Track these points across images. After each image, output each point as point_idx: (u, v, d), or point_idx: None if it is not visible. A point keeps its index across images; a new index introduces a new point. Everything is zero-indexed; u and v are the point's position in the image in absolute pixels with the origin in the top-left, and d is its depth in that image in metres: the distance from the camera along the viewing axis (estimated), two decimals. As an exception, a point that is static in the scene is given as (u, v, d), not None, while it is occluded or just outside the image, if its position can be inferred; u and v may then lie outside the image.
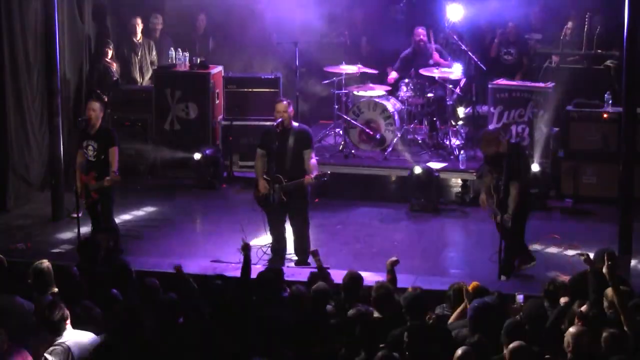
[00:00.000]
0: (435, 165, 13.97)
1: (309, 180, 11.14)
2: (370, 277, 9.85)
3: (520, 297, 9.15)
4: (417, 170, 13.63)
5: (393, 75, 15.32)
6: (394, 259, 9.59)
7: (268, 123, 11.86)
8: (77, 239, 11.24)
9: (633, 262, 11.44)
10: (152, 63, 15.77)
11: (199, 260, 11.61)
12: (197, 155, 14.58)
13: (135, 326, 7.94)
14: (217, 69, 15.34)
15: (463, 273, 11.38)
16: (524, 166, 11.11)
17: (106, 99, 14.39)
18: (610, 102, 13.74)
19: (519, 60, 15.55)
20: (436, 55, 15.25)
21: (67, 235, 12.41)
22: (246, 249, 9.82)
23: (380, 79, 15.46)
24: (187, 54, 15.26)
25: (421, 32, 15.30)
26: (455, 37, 15.43)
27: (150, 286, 8.93)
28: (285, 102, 11.37)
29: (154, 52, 15.83)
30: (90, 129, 11.58)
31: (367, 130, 14.58)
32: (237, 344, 7.95)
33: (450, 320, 8.64)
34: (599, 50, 15.02)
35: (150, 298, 8.77)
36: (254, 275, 9.58)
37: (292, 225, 11.44)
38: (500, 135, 11.21)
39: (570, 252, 11.74)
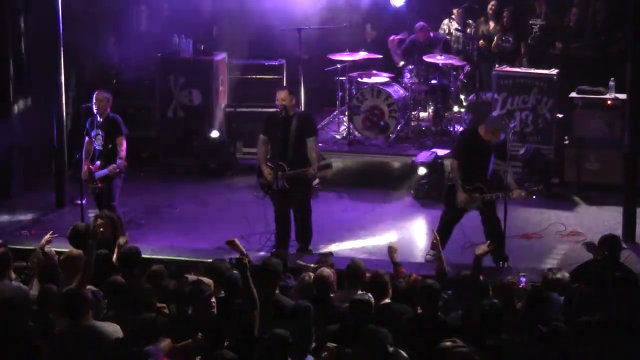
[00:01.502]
0: (438, 151, 13.96)
1: (311, 173, 11.13)
2: (374, 264, 9.88)
3: (522, 279, 9.20)
4: (422, 171, 13.54)
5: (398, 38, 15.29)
6: (393, 246, 9.56)
7: (272, 110, 11.85)
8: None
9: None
10: (155, 50, 15.73)
11: (203, 247, 11.64)
12: (214, 133, 14.61)
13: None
14: (220, 56, 15.32)
15: (466, 259, 11.38)
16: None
17: (109, 87, 14.38)
18: (614, 88, 13.71)
19: (517, 46, 15.52)
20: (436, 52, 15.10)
21: (71, 222, 12.40)
22: (233, 244, 9.52)
23: (385, 65, 15.43)
24: (190, 41, 15.24)
25: (418, 33, 15.15)
26: (458, 24, 15.41)
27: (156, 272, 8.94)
28: (286, 90, 11.36)
29: (158, 39, 15.79)
30: (98, 118, 11.63)
31: (371, 117, 14.58)
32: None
33: None
34: (603, 37, 14.98)
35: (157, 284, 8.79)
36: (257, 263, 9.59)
37: (294, 212, 11.44)
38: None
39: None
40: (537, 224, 12.53)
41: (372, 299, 8.19)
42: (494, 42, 15.49)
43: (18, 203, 13.43)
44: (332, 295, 8.76)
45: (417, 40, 15.23)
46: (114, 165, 11.44)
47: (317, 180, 13.33)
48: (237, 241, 9.21)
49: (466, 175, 11.01)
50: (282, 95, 11.30)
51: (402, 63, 15.25)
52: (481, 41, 15.62)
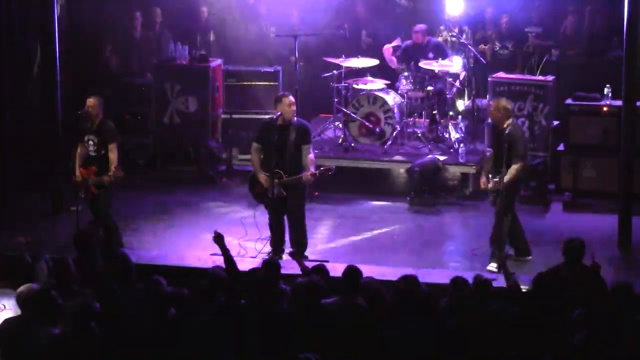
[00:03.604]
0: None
1: (307, 178, 11.13)
2: (370, 271, 9.86)
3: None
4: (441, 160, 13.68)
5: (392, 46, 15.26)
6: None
7: (268, 116, 11.85)
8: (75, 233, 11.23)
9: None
10: (151, 56, 15.75)
11: (198, 253, 11.63)
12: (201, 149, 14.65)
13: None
14: (216, 62, 15.33)
15: (463, 266, 11.39)
16: (523, 149, 11.17)
17: (105, 93, 14.36)
18: (610, 95, 13.72)
19: (514, 54, 15.50)
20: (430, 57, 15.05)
21: (67, 228, 12.39)
22: (219, 239, 9.62)
23: (381, 71, 15.42)
24: (186, 47, 15.24)
25: (415, 34, 15.15)
26: (455, 30, 15.41)
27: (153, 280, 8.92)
28: (291, 97, 11.39)
29: (154, 46, 15.81)
30: (90, 124, 11.60)
31: (367, 123, 14.58)
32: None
33: None
34: (599, 44, 15.00)
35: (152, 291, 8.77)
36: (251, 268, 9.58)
37: (289, 219, 11.44)
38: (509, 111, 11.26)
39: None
40: (533, 231, 12.53)
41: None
42: (489, 49, 15.49)
43: (14, 210, 13.41)
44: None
45: (411, 45, 15.20)
46: (110, 174, 11.38)
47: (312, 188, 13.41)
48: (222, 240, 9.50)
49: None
50: (287, 101, 11.30)
51: (399, 67, 15.24)
52: (481, 45, 15.58)
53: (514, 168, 11.01)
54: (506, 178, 10.87)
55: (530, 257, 11.48)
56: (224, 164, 14.83)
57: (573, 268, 9.22)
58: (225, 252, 9.52)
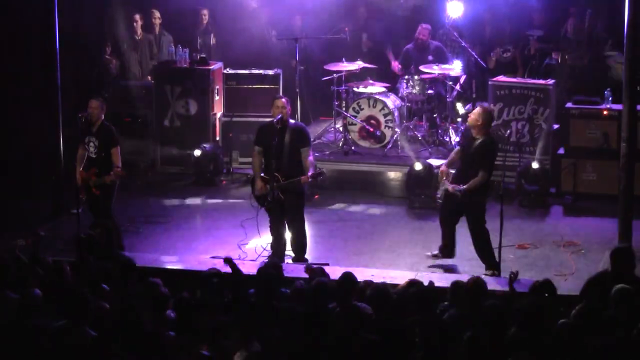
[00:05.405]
0: (435, 162, 13.96)
1: (305, 181, 11.14)
2: (368, 274, 9.86)
3: None
4: (418, 166, 13.64)
5: (396, 62, 15.26)
6: None
7: (266, 120, 11.84)
8: (76, 235, 11.22)
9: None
10: (152, 59, 15.77)
11: (198, 256, 11.63)
12: (197, 152, 14.58)
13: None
14: (217, 65, 15.33)
15: (462, 269, 11.38)
16: (489, 160, 11.11)
17: (106, 95, 14.37)
18: (610, 99, 13.72)
19: (515, 57, 15.49)
20: (430, 60, 15.05)
21: (67, 231, 12.40)
22: (230, 262, 9.46)
23: (381, 75, 15.44)
24: (187, 50, 15.25)
25: (422, 29, 15.20)
26: (455, 33, 15.41)
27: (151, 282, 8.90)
28: (284, 99, 11.38)
29: (154, 48, 15.83)
30: (91, 126, 11.62)
31: (367, 126, 14.59)
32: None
33: None
34: (599, 48, 14.99)
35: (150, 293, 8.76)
36: (253, 271, 9.56)
37: (289, 222, 11.43)
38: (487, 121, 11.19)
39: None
40: (533, 234, 12.53)
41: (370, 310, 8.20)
42: (492, 61, 15.46)
43: (14, 211, 13.40)
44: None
45: (412, 47, 15.21)
46: (112, 173, 11.42)
47: (313, 191, 13.46)
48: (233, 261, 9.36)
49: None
50: (279, 103, 11.30)
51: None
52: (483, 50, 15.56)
53: (477, 179, 10.99)
54: (465, 186, 10.91)
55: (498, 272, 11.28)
56: (219, 167, 14.79)
57: (626, 276, 9.04)
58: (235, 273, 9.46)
